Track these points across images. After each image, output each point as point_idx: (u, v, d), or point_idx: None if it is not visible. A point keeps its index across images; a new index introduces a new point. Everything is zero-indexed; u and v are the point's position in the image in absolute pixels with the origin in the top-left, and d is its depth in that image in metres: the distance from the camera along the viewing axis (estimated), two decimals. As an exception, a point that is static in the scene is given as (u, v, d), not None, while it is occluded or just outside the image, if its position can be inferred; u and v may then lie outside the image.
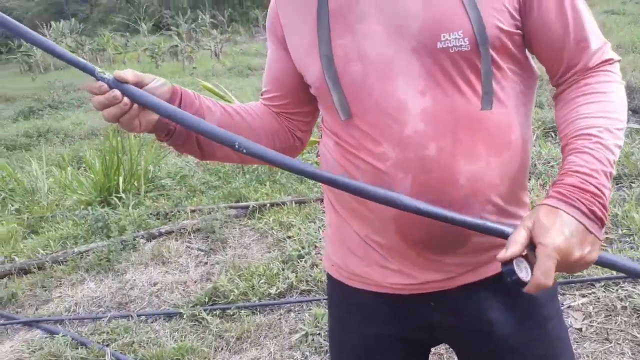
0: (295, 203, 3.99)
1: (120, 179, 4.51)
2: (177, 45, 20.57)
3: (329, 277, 1.14)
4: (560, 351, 1.01)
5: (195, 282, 3.14)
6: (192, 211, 4.08)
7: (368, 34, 0.89)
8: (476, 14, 0.84)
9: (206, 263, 3.37)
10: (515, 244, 0.77)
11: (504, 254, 0.76)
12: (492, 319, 0.97)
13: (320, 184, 1.24)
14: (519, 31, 0.89)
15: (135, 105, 0.88)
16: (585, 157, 0.80)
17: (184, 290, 3.06)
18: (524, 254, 0.78)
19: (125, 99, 0.86)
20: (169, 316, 2.79)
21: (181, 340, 2.54)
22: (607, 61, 0.91)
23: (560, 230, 0.76)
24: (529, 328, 0.98)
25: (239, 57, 18.07)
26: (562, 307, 2.37)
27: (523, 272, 0.76)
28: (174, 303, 2.91)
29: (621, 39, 8.63)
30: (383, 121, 0.88)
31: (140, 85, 0.90)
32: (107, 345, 2.57)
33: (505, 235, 0.81)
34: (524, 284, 0.76)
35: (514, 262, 0.76)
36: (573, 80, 0.91)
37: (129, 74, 0.88)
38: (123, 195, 4.39)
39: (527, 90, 0.95)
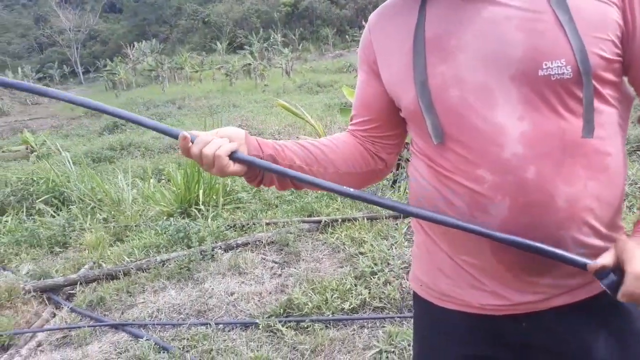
0: (367, 219, 4.00)
1: (200, 191, 4.71)
2: (250, 64, 21.32)
3: (416, 295, 1.15)
4: None
5: (269, 293, 3.21)
6: (267, 224, 4.19)
7: (466, 61, 0.91)
8: (578, 42, 0.85)
9: (280, 275, 3.44)
10: (603, 259, 0.85)
11: (594, 263, 0.85)
12: (585, 342, 0.96)
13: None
14: (620, 59, 0.89)
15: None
16: None
17: (259, 300, 3.14)
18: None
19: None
20: (245, 326, 2.87)
21: (257, 350, 2.61)
22: None
23: None
24: (623, 357, 0.96)
25: (308, 74, 18.43)
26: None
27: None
28: (250, 313, 2.99)
29: None
30: (481, 145, 0.89)
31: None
32: (188, 352, 2.68)
33: (584, 266, 0.86)
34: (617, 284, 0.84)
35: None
36: None
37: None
38: (202, 207, 4.59)
39: (624, 114, 0.95)
